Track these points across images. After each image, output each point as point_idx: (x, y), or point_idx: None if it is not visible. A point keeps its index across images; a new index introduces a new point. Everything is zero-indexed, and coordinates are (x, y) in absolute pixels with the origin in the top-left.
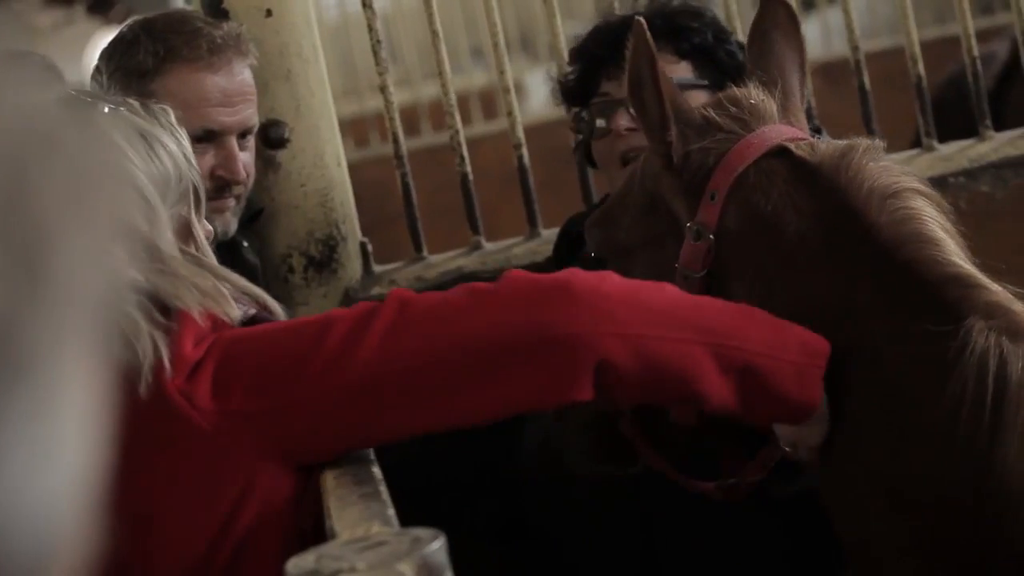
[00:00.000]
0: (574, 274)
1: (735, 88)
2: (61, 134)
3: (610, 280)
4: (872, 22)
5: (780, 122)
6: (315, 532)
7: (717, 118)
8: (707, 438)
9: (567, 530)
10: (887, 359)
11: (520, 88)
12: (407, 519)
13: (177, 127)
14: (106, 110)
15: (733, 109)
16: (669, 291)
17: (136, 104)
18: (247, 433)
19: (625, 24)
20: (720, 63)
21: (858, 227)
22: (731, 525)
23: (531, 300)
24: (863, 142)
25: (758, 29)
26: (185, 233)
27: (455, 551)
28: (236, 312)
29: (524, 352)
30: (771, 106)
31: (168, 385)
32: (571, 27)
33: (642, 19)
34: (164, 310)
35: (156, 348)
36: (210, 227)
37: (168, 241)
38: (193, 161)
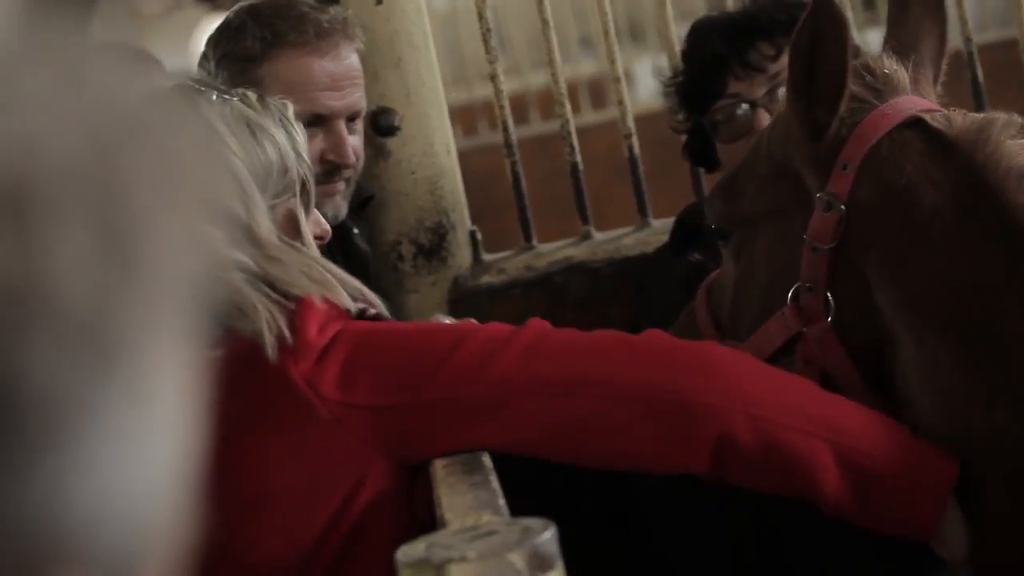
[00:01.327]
0: (713, 346)
1: (868, 57)
2: (149, 118)
3: (747, 359)
4: (982, 14)
5: (912, 94)
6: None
7: (852, 88)
8: None
9: (670, 525)
10: (1017, 338)
11: (629, 77)
12: (518, 508)
13: (292, 122)
14: (213, 98)
15: (867, 78)
16: (804, 382)
17: (251, 96)
18: (368, 427)
19: (748, 19)
20: None
21: (994, 205)
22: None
23: (669, 361)
24: (1001, 117)
25: None
26: (290, 227)
27: (565, 541)
28: (349, 302)
29: (652, 410)
30: (904, 76)
31: (292, 369)
32: (681, 16)
33: None
34: (283, 296)
35: (277, 327)
36: (326, 226)
37: (266, 229)
38: (306, 156)
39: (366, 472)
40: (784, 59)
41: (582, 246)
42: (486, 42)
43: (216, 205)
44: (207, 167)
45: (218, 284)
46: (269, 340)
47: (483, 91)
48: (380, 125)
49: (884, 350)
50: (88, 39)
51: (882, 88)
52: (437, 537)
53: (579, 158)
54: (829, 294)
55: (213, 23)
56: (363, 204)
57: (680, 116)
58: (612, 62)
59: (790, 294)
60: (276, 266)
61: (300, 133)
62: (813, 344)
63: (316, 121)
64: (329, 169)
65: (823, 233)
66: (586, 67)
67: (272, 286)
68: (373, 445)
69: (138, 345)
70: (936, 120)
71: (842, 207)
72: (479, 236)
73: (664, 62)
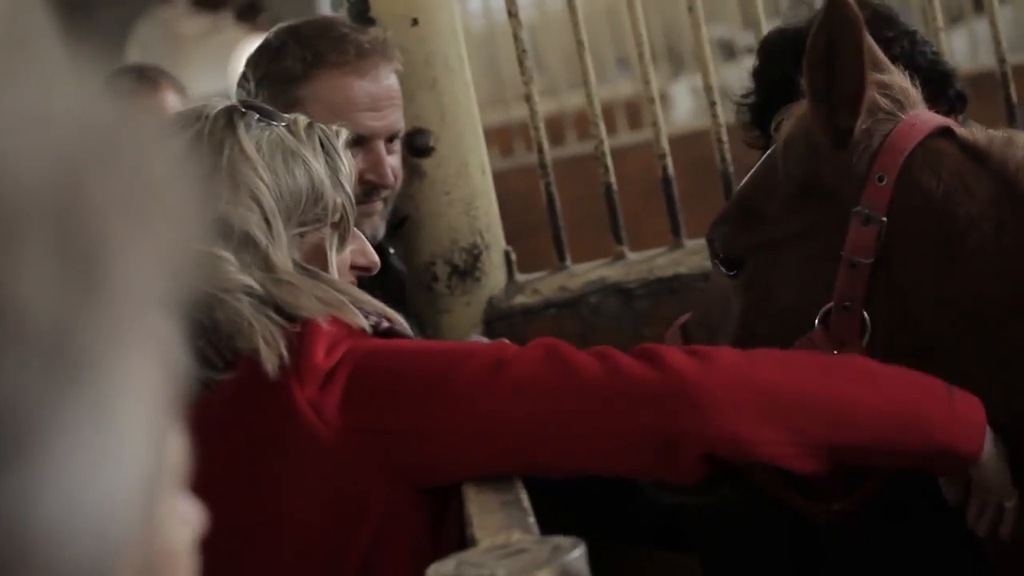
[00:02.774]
0: (687, 362)
1: (880, 75)
2: (120, 140)
3: (732, 365)
4: (1018, 34)
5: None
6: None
7: (877, 98)
8: None
9: (717, 540)
10: None
11: (665, 98)
12: (561, 524)
13: (339, 151)
14: (254, 122)
15: (886, 91)
16: (792, 363)
17: (301, 122)
18: (372, 451)
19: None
20: (921, 71)
21: None
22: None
23: (650, 395)
24: (1022, 136)
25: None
26: (317, 257)
27: (613, 556)
28: (363, 320)
29: (635, 444)
30: (916, 91)
31: (296, 394)
32: (716, 36)
33: None
34: (289, 319)
35: (277, 347)
36: (374, 257)
37: (283, 254)
38: (348, 187)
39: (373, 495)
40: None
41: (616, 266)
42: (521, 63)
43: (188, 228)
44: (179, 189)
45: (218, 305)
46: (268, 358)
47: (520, 112)
48: (415, 146)
49: (912, 367)
50: (65, 57)
51: (902, 100)
52: (467, 555)
53: (613, 179)
54: (865, 313)
55: (252, 44)
56: (398, 225)
57: (755, 132)
58: (647, 83)
59: (819, 317)
60: (284, 289)
61: (346, 163)
62: None
63: (356, 141)
64: (368, 189)
65: (863, 248)
66: (623, 88)
67: (279, 309)
68: (379, 469)
69: (104, 362)
70: (963, 131)
71: (883, 219)
72: (513, 256)
73: (699, 83)
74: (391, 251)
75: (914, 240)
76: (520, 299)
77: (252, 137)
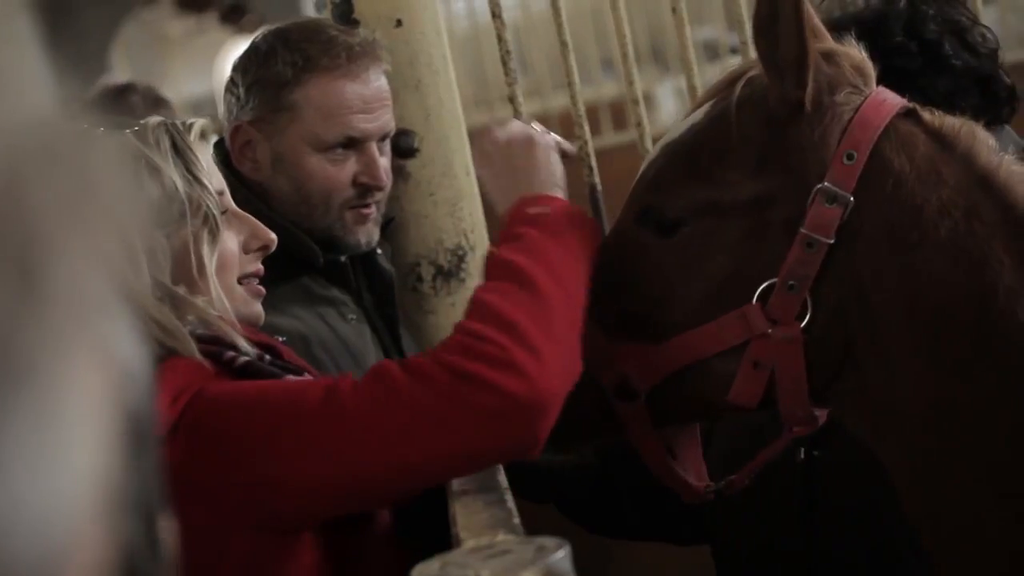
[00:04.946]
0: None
1: (832, 45)
2: (58, 142)
3: (548, 361)
4: (1003, 34)
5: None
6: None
7: (845, 70)
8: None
9: (736, 541)
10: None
11: (650, 99)
12: (586, 523)
13: (190, 147)
14: (100, 132)
15: (849, 63)
16: (542, 285)
17: (148, 124)
18: (214, 504)
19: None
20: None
21: (1002, 205)
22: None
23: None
24: (978, 126)
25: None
26: (186, 256)
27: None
28: (193, 349)
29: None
30: (871, 66)
31: None
32: (701, 37)
33: None
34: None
35: None
36: (268, 234)
37: (139, 270)
38: (208, 182)
39: (224, 545)
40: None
41: None
42: (505, 64)
43: (125, 230)
44: (118, 191)
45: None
46: None
47: (505, 112)
48: (399, 147)
49: (852, 356)
50: (12, 60)
51: (862, 77)
52: (452, 556)
53: (598, 179)
54: (808, 295)
55: (237, 46)
56: (384, 226)
57: None
58: (631, 84)
59: (758, 292)
60: (137, 320)
61: (201, 157)
62: (772, 347)
63: (349, 144)
64: (362, 191)
65: (823, 227)
66: (607, 89)
67: None
68: (225, 519)
69: (43, 364)
70: (927, 114)
71: (850, 199)
72: None
73: (684, 84)
74: (379, 252)
75: (881, 225)
76: None
77: (99, 150)
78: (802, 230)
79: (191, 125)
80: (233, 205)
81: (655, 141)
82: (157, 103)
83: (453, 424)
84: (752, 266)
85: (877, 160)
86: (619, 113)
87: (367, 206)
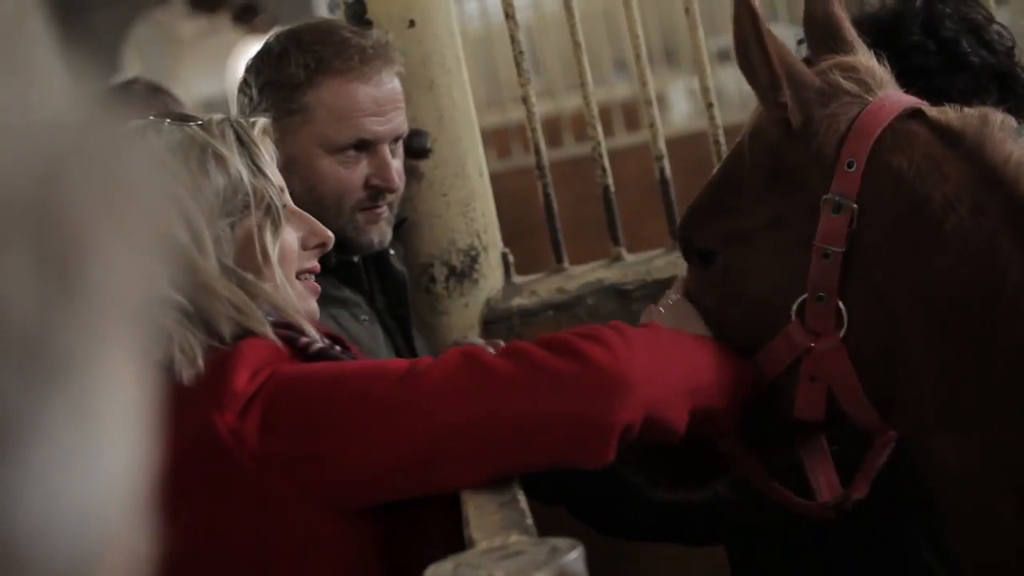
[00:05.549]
0: (595, 348)
1: (844, 57)
2: (94, 142)
3: (638, 352)
4: (1016, 34)
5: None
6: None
7: (841, 82)
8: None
9: (752, 539)
10: None
11: (662, 100)
12: (596, 524)
13: (255, 141)
14: (166, 126)
15: (851, 74)
16: (676, 350)
17: (213, 119)
18: (292, 477)
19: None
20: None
21: (1008, 198)
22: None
23: (559, 383)
24: (997, 114)
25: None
26: (249, 246)
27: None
28: (267, 330)
29: (561, 436)
30: (884, 71)
31: (216, 420)
32: (714, 39)
33: None
34: (219, 338)
35: (196, 367)
36: (325, 232)
37: (208, 256)
38: (272, 174)
39: (294, 518)
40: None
41: (613, 268)
42: (518, 64)
43: (163, 230)
44: (153, 190)
45: (153, 320)
46: (185, 371)
47: (517, 113)
48: (412, 147)
49: (889, 358)
50: (46, 58)
51: (870, 82)
52: (465, 557)
53: (611, 180)
54: (841, 303)
55: (250, 47)
56: (397, 226)
57: None
58: (644, 85)
59: (794, 309)
60: (202, 296)
61: (265, 151)
62: (820, 360)
63: (361, 146)
64: (374, 194)
65: (834, 236)
66: (620, 89)
67: (207, 324)
68: (299, 494)
69: (82, 362)
70: (934, 112)
71: (854, 206)
72: (511, 258)
73: (696, 85)
74: (392, 252)
75: (887, 227)
76: (518, 300)
77: (164, 142)
78: (815, 242)
79: (254, 122)
80: (291, 202)
81: (668, 142)
82: (157, 91)
83: (526, 381)
84: (785, 284)
85: (875, 164)
86: (632, 114)
87: (379, 207)
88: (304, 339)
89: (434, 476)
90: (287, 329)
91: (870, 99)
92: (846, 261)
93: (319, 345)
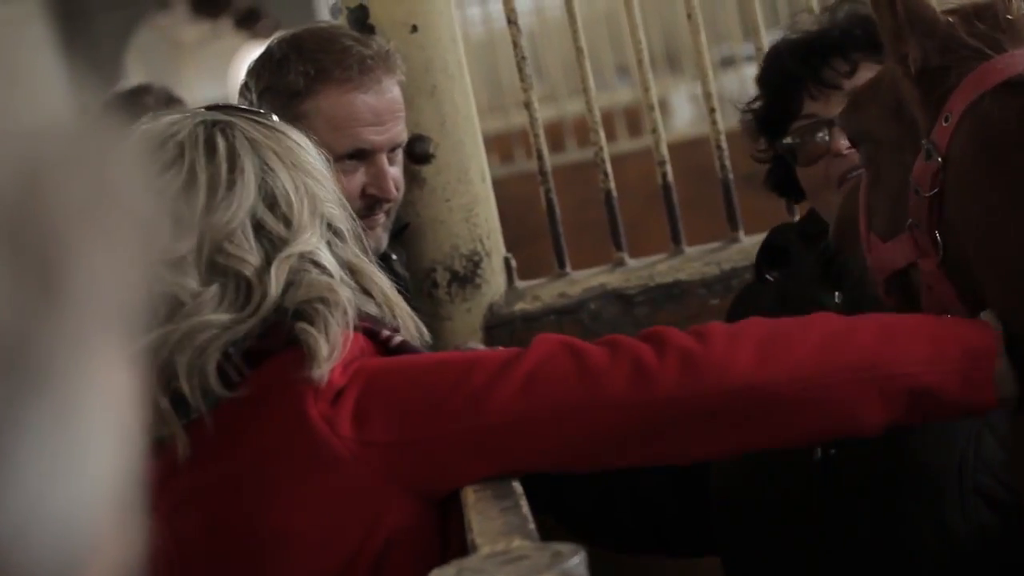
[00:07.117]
0: (709, 353)
1: (980, 3)
2: (78, 146)
3: (744, 348)
4: None
5: None
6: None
7: (963, 34)
8: None
9: (750, 540)
10: None
11: (665, 105)
12: (584, 533)
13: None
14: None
15: (981, 26)
16: (817, 330)
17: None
18: (383, 463)
19: (821, 39)
20: None
21: None
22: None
23: (690, 368)
24: None
25: None
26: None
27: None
28: (352, 324)
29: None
30: None
31: (311, 408)
32: (716, 45)
33: None
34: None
35: (295, 368)
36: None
37: (351, 252)
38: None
39: (385, 507)
40: (859, 75)
41: (616, 273)
42: (520, 70)
43: (151, 236)
44: (139, 196)
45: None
46: (320, 361)
47: (520, 118)
48: (415, 153)
49: (980, 298)
50: (33, 67)
51: (1000, 37)
52: (468, 562)
53: (613, 185)
54: (938, 234)
55: (252, 51)
56: (399, 231)
57: (761, 145)
58: (646, 90)
59: (908, 223)
60: (367, 281)
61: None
62: (928, 274)
63: (358, 155)
64: (370, 203)
65: (923, 180)
66: (622, 95)
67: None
68: (390, 480)
69: (64, 368)
70: None
71: (939, 159)
72: (514, 263)
73: (699, 91)
74: (394, 257)
75: (967, 184)
76: (520, 306)
77: (292, 133)
78: (911, 177)
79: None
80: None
81: (670, 147)
82: (170, 102)
83: (617, 359)
84: (900, 196)
85: (968, 124)
86: (634, 119)
87: (375, 215)
88: (386, 332)
89: (524, 459)
90: (370, 322)
91: (991, 55)
92: (936, 204)
93: (400, 338)
